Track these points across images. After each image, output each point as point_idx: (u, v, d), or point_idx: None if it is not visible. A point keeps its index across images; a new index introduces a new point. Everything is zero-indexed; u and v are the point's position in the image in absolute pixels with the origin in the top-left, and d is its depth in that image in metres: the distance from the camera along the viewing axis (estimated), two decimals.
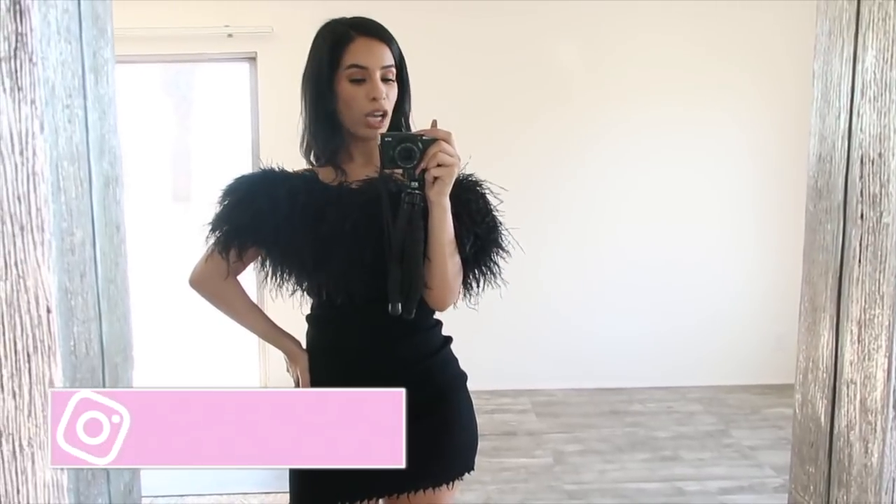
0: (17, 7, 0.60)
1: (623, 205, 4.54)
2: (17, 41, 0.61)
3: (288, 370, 1.60)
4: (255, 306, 1.57)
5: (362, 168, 1.49)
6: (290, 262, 1.44)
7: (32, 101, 0.61)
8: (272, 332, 1.58)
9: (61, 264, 0.64)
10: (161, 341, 5.64)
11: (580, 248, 4.55)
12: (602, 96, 4.49)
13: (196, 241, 1.57)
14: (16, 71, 0.60)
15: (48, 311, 0.63)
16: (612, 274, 4.55)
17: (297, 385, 1.55)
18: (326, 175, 1.49)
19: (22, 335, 0.63)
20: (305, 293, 1.51)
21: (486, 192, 1.53)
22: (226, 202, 1.47)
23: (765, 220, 4.42)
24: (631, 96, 4.48)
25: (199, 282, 1.53)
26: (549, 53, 4.45)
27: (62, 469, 0.64)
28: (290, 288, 1.47)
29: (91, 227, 0.70)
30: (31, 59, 0.61)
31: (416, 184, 1.36)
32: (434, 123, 1.40)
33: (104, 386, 0.72)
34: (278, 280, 1.47)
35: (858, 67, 0.77)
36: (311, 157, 1.53)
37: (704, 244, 4.57)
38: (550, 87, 4.47)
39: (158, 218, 6.35)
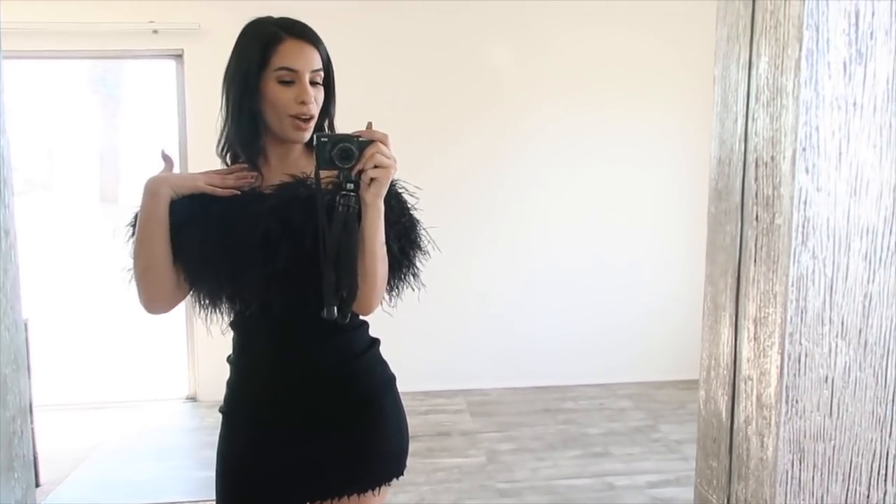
0: None
1: (555, 205, 4.60)
2: None
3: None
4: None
5: (277, 172, 1.46)
6: (203, 273, 1.40)
7: None
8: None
9: None
10: (87, 347, 5.46)
11: (512, 248, 4.59)
12: (534, 96, 4.53)
13: (125, 245, 1.51)
14: None
15: None
16: (544, 274, 4.61)
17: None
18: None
19: None
20: (225, 301, 1.47)
21: (402, 191, 1.51)
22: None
23: (692, 221, 4.54)
24: (563, 97, 4.54)
25: (143, 301, 1.45)
26: (482, 52, 4.48)
27: None
28: (206, 299, 1.44)
29: None
30: None
31: (352, 185, 1.34)
32: (369, 125, 1.38)
33: None
34: (195, 291, 1.44)
35: (753, 73, 0.79)
36: (228, 158, 1.50)
37: (634, 244, 4.67)
38: (483, 86, 4.50)
39: (85, 220, 6.15)
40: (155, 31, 4.21)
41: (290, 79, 1.42)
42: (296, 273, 1.35)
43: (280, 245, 1.35)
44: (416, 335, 4.15)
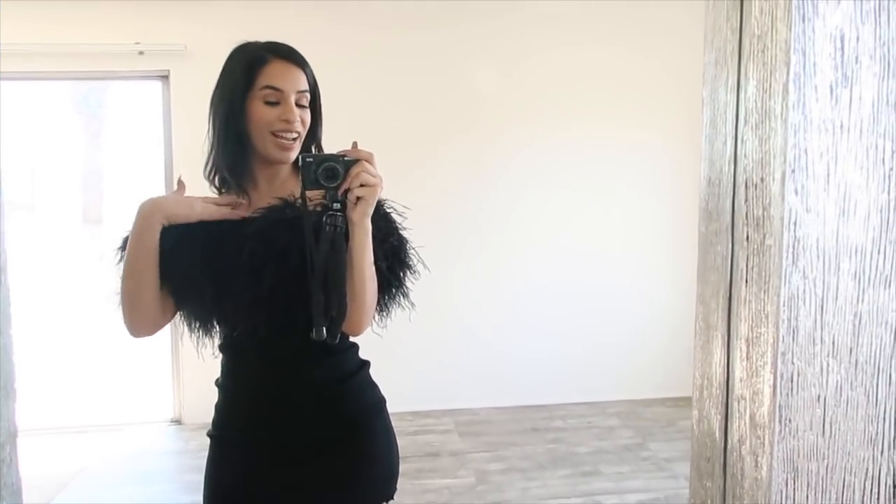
0: None
1: (540, 223, 4.62)
2: None
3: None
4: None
5: (265, 195, 1.46)
6: (190, 297, 1.40)
7: None
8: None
9: None
10: (69, 369, 5.39)
11: (498, 267, 4.60)
12: (516, 115, 4.57)
13: (108, 266, 1.50)
14: None
15: None
16: (530, 293, 4.62)
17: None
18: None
19: None
20: (211, 325, 1.46)
21: (390, 210, 1.51)
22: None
23: (677, 239, 4.57)
24: (545, 116, 4.58)
25: (128, 324, 1.44)
26: (464, 71, 4.51)
27: None
28: (193, 323, 1.43)
29: None
30: None
31: (339, 205, 1.34)
32: (355, 144, 1.39)
33: None
34: (182, 316, 1.43)
35: (742, 96, 0.80)
36: (216, 182, 1.50)
37: (619, 262, 4.69)
38: (464, 105, 4.53)
39: (68, 240, 6.09)
40: (141, 53, 4.21)
41: (275, 99, 1.43)
42: (282, 295, 1.35)
43: (265, 266, 1.35)
44: (403, 355, 4.13)
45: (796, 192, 0.73)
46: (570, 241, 4.64)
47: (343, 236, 1.34)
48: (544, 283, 4.62)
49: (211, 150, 1.47)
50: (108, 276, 1.51)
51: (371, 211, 1.35)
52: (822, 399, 0.75)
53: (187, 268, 1.36)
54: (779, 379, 0.74)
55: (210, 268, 1.36)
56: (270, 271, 1.34)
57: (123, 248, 1.43)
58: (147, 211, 1.39)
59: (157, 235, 1.38)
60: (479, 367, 4.59)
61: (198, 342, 1.47)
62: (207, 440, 1.55)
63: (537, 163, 4.60)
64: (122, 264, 1.42)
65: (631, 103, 4.60)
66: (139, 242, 1.38)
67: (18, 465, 0.79)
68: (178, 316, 1.45)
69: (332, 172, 1.33)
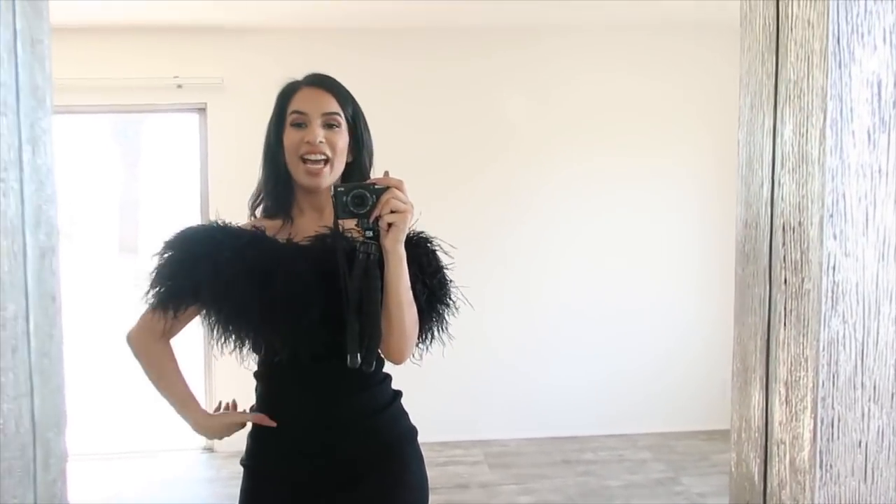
0: None
1: (569, 254, 4.61)
2: None
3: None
4: (180, 373, 1.56)
5: (313, 222, 1.49)
6: (235, 321, 1.42)
7: None
8: (188, 401, 1.57)
9: None
10: (106, 397, 5.46)
11: (528, 297, 4.59)
12: (545, 145, 4.59)
13: (143, 294, 1.54)
14: None
15: None
16: (559, 323, 4.60)
17: (255, 426, 1.52)
18: (274, 228, 1.48)
19: None
20: (251, 349, 1.49)
21: (437, 248, 1.54)
22: (166, 256, 1.46)
23: (710, 270, 4.53)
24: (574, 146, 4.59)
25: (133, 339, 1.51)
26: (493, 101, 4.55)
27: None
28: (233, 345, 1.46)
29: (24, 300, 0.69)
30: None
31: (371, 233, 1.37)
32: (386, 173, 1.42)
33: (35, 463, 0.70)
34: (221, 336, 1.46)
35: (778, 140, 0.81)
36: (258, 212, 1.54)
37: (650, 292, 4.65)
38: (494, 135, 4.56)
39: (104, 269, 6.21)
40: (179, 86, 4.31)
41: (300, 121, 1.47)
42: (328, 323, 1.37)
43: (315, 294, 1.37)
44: (431, 385, 4.12)
45: (835, 237, 0.74)
46: (599, 271, 4.62)
47: (377, 264, 1.37)
48: (573, 313, 4.60)
49: (259, 182, 1.54)
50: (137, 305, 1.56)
51: (403, 237, 1.37)
52: (863, 445, 0.74)
53: (236, 292, 1.39)
54: (819, 424, 0.74)
55: (259, 293, 1.38)
56: (318, 299, 1.37)
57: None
58: (193, 427, 1.56)
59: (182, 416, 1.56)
60: (509, 397, 4.57)
61: (240, 357, 1.51)
62: (239, 468, 1.57)
63: (566, 192, 4.61)
64: (153, 381, 1.57)
65: (658, 133, 4.60)
66: (178, 403, 1.58)
67: (67, 488, 0.81)
68: (214, 336, 1.49)
69: (361, 199, 1.36)
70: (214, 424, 1.54)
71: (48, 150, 0.75)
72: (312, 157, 1.45)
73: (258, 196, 1.55)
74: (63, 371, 0.78)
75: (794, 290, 0.77)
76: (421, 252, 1.52)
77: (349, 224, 1.40)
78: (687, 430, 4.55)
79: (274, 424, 1.47)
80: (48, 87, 0.77)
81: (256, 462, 1.54)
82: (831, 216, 0.74)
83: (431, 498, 1.63)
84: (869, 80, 0.74)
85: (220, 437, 1.56)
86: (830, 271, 0.73)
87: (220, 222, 1.48)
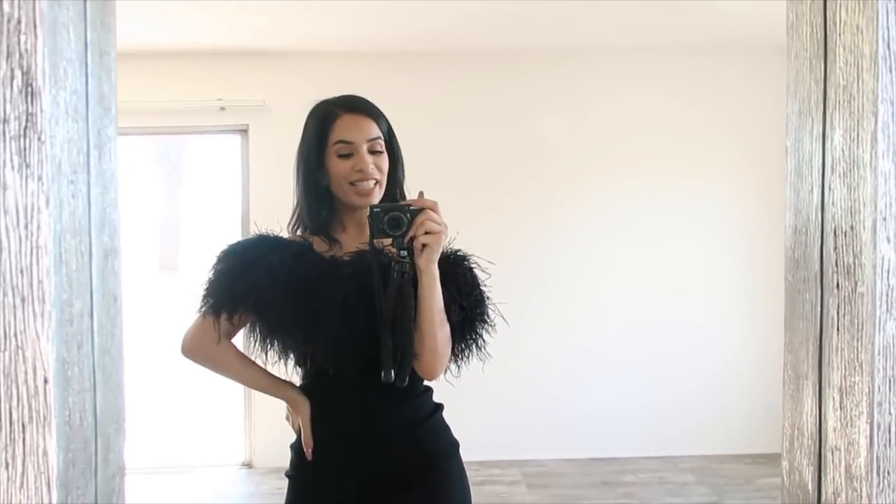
0: (30, 89, 0.63)
1: (608, 272, 4.58)
2: (27, 121, 0.63)
3: (287, 418, 1.59)
4: (251, 363, 1.55)
5: (355, 238, 1.52)
6: (280, 331, 1.45)
7: (39, 178, 0.63)
8: (272, 384, 1.56)
9: (60, 335, 0.65)
10: (144, 413, 5.54)
11: (566, 316, 4.57)
12: (584, 164, 4.59)
13: (182, 311, 1.58)
14: (25, 149, 0.63)
15: (45, 381, 0.63)
16: (600, 343, 4.56)
17: (299, 433, 1.53)
18: (319, 245, 1.51)
19: (18, 405, 0.63)
20: (295, 363, 1.52)
21: (474, 266, 1.56)
22: (219, 268, 1.49)
23: (753, 290, 4.47)
24: (613, 164, 4.58)
25: (192, 349, 1.53)
26: (531, 119, 4.56)
27: None
28: (276, 356, 1.48)
29: (90, 298, 0.71)
30: (39, 138, 0.63)
31: (406, 252, 1.40)
32: (421, 194, 1.44)
33: (96, 457, 0.72)
34: (266, 347, 1.49)
35: (828, 145, 0.81)
36: (298, 232, 1.57)
37: (692, 313, 4.60)
38: (531, 153, 4.57)
39: (144, 286, 6.33)
40: (222, 108, 4.41)
41: (347, 151, 1.49)
42: (370, 337, 1.39)
43: (358, 309, 1.39)
44: (470, 404, 4.11)
45: (888, 240, 0.73)
46: (638, 290, 4.58)
47: (411, 282, 1.39)
48: (613, 333, 4.56)
49: (297, 205, 1.55)
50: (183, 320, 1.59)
51: (436, 257, 1.40)
52: None
53: (281, 306, 1.42)
54: (875, 429, 0.72)
55: (303, 307, 1.41)
56: (362, 314, 1.39)
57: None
58: (299, 406, 1.54)
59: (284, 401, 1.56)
60: (547, 417, 4.53)
61: (281, 364, 1.53)
62: (278, 484, 1.59)
63: (603, 211, 4.59)
64: (230, 372, 1.56)
65: (696, 153, 4.58)
66: (268, 389, 1.55)
67: (125, 498, 0.83)
68: (258, 347, 1.51)
69: (396, 222, 1.39)
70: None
71: (113, 156, 0.79)
72: (364, 184, 1.49)
73: (297, 220, 1.58)
74: (123, 369, 0.81)
75: (846, 294, 0.77)
76: (459, 271, 1.54)
77: (385, 243, 1.43)
78: (731, 453, 4.46)
79: (310, 458, 1.49)
80: (113, 96, 0.81)
81: (301, 473, 1.55)
82: (885, 219, 0.73)
83: None
84: None
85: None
86: (885, 275, 0.73)
87: (272, 233, 1.52)
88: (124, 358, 0.81)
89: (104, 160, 0.76)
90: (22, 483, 0.64)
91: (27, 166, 0.63)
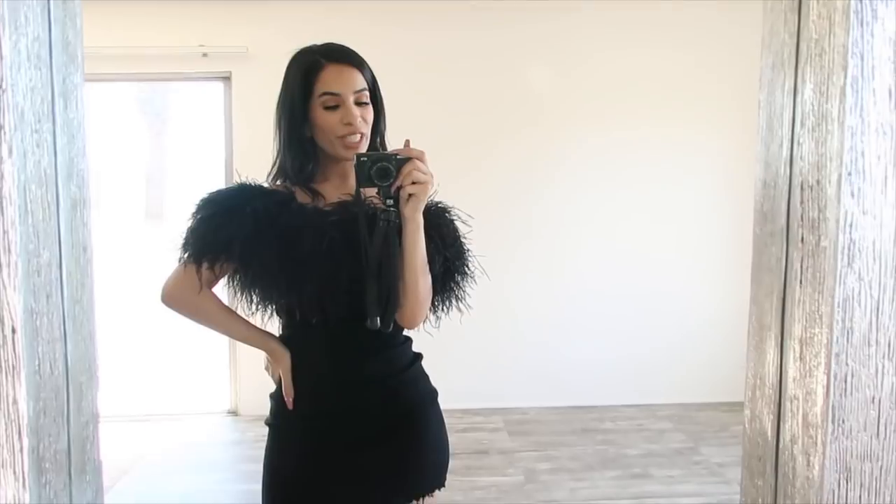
0: None
1: (592, 225, 4.60)
2: None
3: (267, 369, 1.60)
4: (232, 313, 1.55)
5: (337, 189, 1.52)
6: (263, 281, 1.45)
7: (1, 127, 0.63)
8: (253, 335, 1.56)
9: (27, 285, 0.65)
10: (131, 360, 5.58)
11: (550, 269, 4.60)
12: (570, 117, 4.57)
13: (168, 259, 1.57)
14: None
15: (13, 331, 0.64)
16: (583, 294, 4.61)
17: (279, 383, 1.55)
18: (301, 196, 1.51)
19: None
20: (275, 312, 1.52)
21: (455, 218, 1.56)
22: (200, 215, 1.48)
23: (731, 242, 4.50)
24: (598, 117, 4.56)
25: (173, 298, 1.53)
26: (518, 71, 4.52)
27: (25, 487, 0.65)
28: (257, 306, 1.49)
29: (58, 248, 0.71)
30: (0, 86, 0.63)
31: (392, 201, 1.40)
32: (407, 143, 1.44)
33: (68, 405, 0.73)
34: (247, 297, 1.49)
35: (798, 99, 0.81)
36: (279, 183, 1.55)
37: (671, 264, 4.64)
38: (518, 106, 4.54)
39: (130, 235, 6.30)
40: (204, 55, 4.34)
41: (334, 103, 1.48)
42: (354, 287, 1.40)
43: (343, 258, 1.40)
44: (454, 353, 4.17)
45: (852, 195, 0.74)
46: (622, 243, 4.61)
47: (396, 231, 1.40)
48: (596, 285, 4.60)
49: (277, 154, 1.54)
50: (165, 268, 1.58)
51: (422, 207, 1.40)
52: (876, 400, 0.75)
53: (265, 255, 1.42)
54: (832, 379, 0.74)
55: (288, 256, 1.41)
56: (347, 262, 1.40)
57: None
58: (280, 356, 1.54)
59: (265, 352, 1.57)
60: (530, 366, 4.60)
61: (264, 318, 1.53)
62: (263, 431, 1.61)
63: (591, 164, 4.59)
64: (206, 320, 1.56)
65: (685, 105, 4.56)
66: (249, 340, 1.55)
67: (100, 445, 0.84)
68: (240, 297, 1.51)
69: (384, 172, 1.38)
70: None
71: (80, 104, 0.78)
72: (352, 137, 1.48)
73: (278, 171, 1.56)
74: (94, 320, 0.81)
75: (810, 248, 0.78)
76: (441, 223, 1.54)
77: (370, 192, 1.43)
78: (707, 401, 4.56)
79: (291, 407, 1.51)
80: (79, 42, 0.79)
81: (281, 421, 1.57)
82: (850, 174, 0.74)
83: (451, 462, 1.66)
84: (891, 39, 0.74)
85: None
86: (847, 229, 0.74)
87: (253, 182, 1.50)
88: (96, 307, 0.81)
89: (70, 109, 0.75)
90: None
91: None
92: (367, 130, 1.52)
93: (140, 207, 6.35)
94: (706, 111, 4.56)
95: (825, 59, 0.77)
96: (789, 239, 0.82)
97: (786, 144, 0.83)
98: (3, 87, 0.63)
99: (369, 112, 1.52)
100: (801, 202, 0.80)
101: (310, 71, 1.49)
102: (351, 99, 1.48)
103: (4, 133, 0.63)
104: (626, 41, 4.53)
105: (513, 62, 4.52)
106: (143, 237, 6.33)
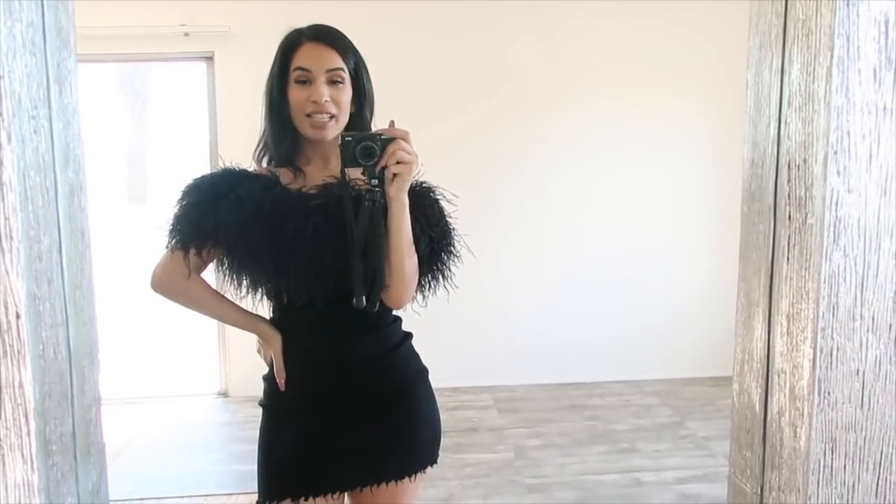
0: None
1: (581, 201, 4.62)
2: None
3: (259, 352, 1.61)
4: (222, 297, 1.56)
5: (320, 171, 1.52)
6: (250, 265, 1.46)
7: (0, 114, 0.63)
8: (243, 318, 1.57)
9: (29, 271, 0.66)
10: (117, 344, 5.57)
11: (538, 246, 4.63)
12: (556, 91, 4.56)
13: (152, 242, 1.57)
14: None
15: (17, 316, 0.65)
16: (571, 271, 4.64)
17: (271, 365, 1.57)
18: (285, 177, 1.51)
19: None
20: (264, 296, 1.53)
21: (440, 198, 1.57)
22: (185, 202, 1.48)
23: (718, 218, 4.54)
24: (585, 92, 4.56)
25: (162, 284, 1.53)
26: (501, 43, 4.50)
27: (33, 469, 0.66)
28: (245, 290, 1.49)
29: (57, 234, 0.72)
30: None
31: (377, 181, 1.40)
32: (392, 123, 1.44)
33: (72, 389, 0.74)
34: (236, 281, 1.50)
35: (786, 79, 0.82)
36: (264, 162, 1.56)
37: (658, 241, 4.68)
38: (502, 80, 4.52)
39: (113, 219, 6.25)
40: (186, 34, 4.29)
41: (304, 78, 1.48)
42: (340, 268, 1.41)
43: (328, 240, 1.41)
44: (443, 332, 4.19)
45: (838, 173, 0.76)
46: (611, 220, 4.64)
47: (381, 211, 1.41)
48: (583, 262, 4.63)
49: (263, 133, 1.54)
50: (153, 252, 1.59)
51: (407, 186, 1.41)
52: (861, 373, 0.78)
53: (251, 241, 1.43)
54: (818, 353, 0.77)
55: (273, 241, 1.42)
56: (333, 244, 1.41)
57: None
58: (271, 339, 1.55)
59: (256, 335, 1.58)
60: (518, 344, 4.64)
61: (254, 302, 1.54)
62: (254, 412, 1.62)
63: (574, 138, 4.59)
64: (195, 304, 1.56)
65: (669, 74, 4.56)
66: (240, 323, 1.56)
67: (102, 427, 0.85)
68: (227, 281, 1.52)
69: (368, 151, 1.39)
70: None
71: (74, 89, 0.78)
72: (318, 116, 1.47)
73: (263, 148, 1.57)
74: (94, 304, 0.82)
75: (797, 225, 0.80)
76: (426, 203, 1.55)
77: (354, 172, 1.43)
78: (693, 376, 4.63)
79: (283, 389, 1.52)
80: (71, 27, 0.79)
81: (274, 402, 1.59)
82: (835, 153, 0.76)
83: (442, 440, 1.69)
84: (876, 19, 0.75)
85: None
86: (833, 206, 0.76)
87: (237, 167, 1.51)
88: (95, 292, 0.82)
89: (65, 94, 0.75)
90: (0, 415, 0.66)
91: None
92: (338, 113, 1.50)
93: (123, 191, 6.30)
94: (694, 85, 4.57)
95: (812, 39, 0.78)
96: (776, 217, 0.84)
97: (773, 124, 0.85)
98: (1, 73, 0.63)
99: (342, 93, 1.50)
100: (788, 181, 0.81)
101: (289, 47, 1.50)
102: (322, 78, 1.47)
103: (3, 120, 0.63)
104: (609, 9, 4.49)
105: (495, 31, 4.46)
106: (126, 220, 6.29)
